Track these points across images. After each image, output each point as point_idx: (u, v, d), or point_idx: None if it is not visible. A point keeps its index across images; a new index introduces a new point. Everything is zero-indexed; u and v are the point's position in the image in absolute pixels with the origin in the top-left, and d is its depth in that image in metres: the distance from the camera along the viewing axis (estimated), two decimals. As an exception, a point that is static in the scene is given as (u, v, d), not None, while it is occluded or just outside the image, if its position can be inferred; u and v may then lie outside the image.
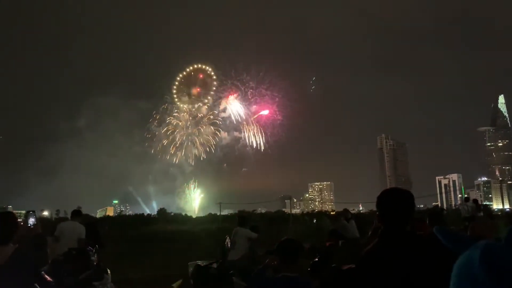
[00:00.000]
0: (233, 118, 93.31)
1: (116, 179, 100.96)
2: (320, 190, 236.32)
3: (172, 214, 72.40)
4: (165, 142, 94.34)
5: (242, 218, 10.88)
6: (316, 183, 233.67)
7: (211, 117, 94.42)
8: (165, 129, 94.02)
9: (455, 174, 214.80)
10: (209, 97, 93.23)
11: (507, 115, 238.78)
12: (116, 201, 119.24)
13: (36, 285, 3.68)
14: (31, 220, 4.83)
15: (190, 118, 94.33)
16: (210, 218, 59.74)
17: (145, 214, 70.04)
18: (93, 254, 7.79)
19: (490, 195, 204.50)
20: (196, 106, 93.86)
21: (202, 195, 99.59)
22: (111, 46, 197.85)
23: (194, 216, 72.16)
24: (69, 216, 11.94)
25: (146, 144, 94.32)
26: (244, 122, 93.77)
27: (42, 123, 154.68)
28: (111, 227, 36.92)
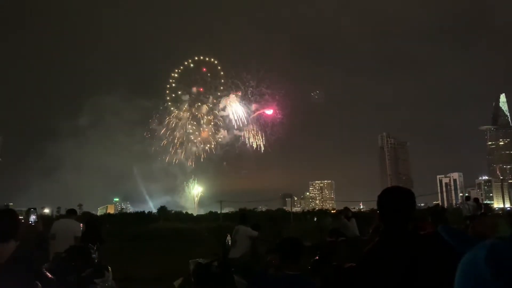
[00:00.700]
0: (232, 117, 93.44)
1: (117, 177, 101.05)
2: (321, 189, 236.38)
3: (173, 212, 72.48)
4: (165, 142, 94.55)
5: (243, 216, 10.91)
6: (317, 182, 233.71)
7: (211, 117, 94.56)
8: (164, 129, 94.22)
9: (456, 173, 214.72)
10: (211, 94, 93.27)
11: (508, 114, 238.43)
12: (117, 199, 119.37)
13: (37, 282, 3.68)
14: (32, 218, 4.84)
15: (190, 116, 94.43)
16: (211, 216, 59.82)
17: (146, 212, 70.12)
18: (94, 251, 7.79)
19: (491, 194, 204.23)
20: (196, 105, 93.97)
21: (201, 194, 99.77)
22: (112, 44, 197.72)
23: (195, 214, 72.22)
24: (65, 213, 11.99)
25: (146, 142, 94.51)
26: (244, 122, 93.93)
27: (43, 121, 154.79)
28: (112, 225, 36.99)
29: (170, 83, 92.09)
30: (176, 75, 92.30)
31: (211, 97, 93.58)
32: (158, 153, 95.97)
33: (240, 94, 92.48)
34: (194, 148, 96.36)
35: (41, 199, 79.05)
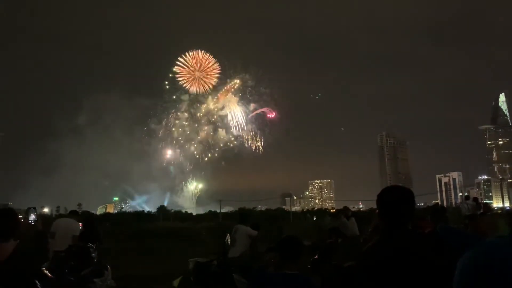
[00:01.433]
0: (231, 121, 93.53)
1: (116, 176, 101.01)
2: (320, 188, 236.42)
3: (172, 211, 72.46)
4: (163, 143, 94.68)
5: (243, 216, 10.90)
6: (316, 181, 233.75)
7: (210, 116, 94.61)
8: (163, 128, 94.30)
9: (456, 172, 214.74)
10: (210, 93, 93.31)
11: (507, 113, 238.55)
12: (116, 198, 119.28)
13: (36, 281, 3.68)
14: (32, 217, 4.83)
15: (189, 116, 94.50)
16: (211, 216, 59.81)
17: (145, 211, 70.10)
18: (94, 250, 7.79)
19: (490, 193, 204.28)
20: (195, 106, 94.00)
21: (199, 193, 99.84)
22: (111, 43, 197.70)
23: (194, 214, 72.21)
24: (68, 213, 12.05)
25: (145, 141, 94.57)
26: (244, 127, 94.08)
27: (42, 120, 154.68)
28: (111, 224, 36.99)
29: (169, 81, 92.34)
30: (173, 74, 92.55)
31: (209, 97, 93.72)
32: (157, 152, 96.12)
33: (238, 93, 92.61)
34: (192, 148, 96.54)
35: (40, 199, 78.89)
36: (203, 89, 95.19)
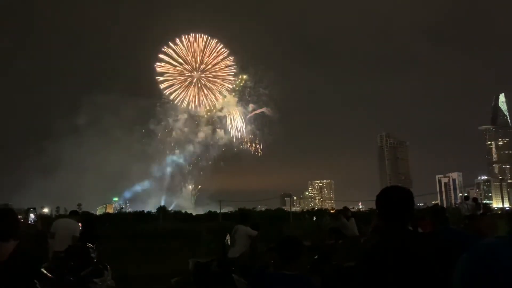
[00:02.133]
0: (229, 121, 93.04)
1: (116, 176, 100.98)
2: (320, 188, 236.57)
3: (172, 211, 72.47)
4: (162, 144, 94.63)
5: (243, 216, 10.89)
6: (316, 181, 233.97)
7: (209, 117, 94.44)
8: (162, 129, 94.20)
9: (455, 173, 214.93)
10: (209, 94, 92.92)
11: (507, 114, 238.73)
12: (116, 199, 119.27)
13: (36, 282, 3.68)
14: (32, 217, 4.83)
15: (188, 116, 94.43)
16: (210, 216, 59.77)
17: (145, 211, 70.10)
18: (93, 251, 7.80)
19: (490, 194, 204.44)
20: (194, 106, 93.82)
21: (198, 193, 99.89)
22: (111, 43, 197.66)
23: (194, 214, 72.22)
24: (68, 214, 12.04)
25: (145, 141, 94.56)
26: (243, 133, 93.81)
27: (42, 121, 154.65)
28: (111, 225, 36.95)
29: (167, 81, 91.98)
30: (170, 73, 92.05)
31: (207, 92, 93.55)
32: (157, 152, 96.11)
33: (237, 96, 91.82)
34: (191, 148, 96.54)
35: (40, 199, 78.83)
36: (207, 102, 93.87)
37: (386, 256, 2.71)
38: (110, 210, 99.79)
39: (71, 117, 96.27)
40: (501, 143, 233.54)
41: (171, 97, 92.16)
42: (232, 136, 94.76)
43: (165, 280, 10.15)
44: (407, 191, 3.00)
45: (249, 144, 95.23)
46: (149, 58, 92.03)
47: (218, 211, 60.51)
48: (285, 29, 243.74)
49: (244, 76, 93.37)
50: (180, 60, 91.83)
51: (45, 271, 4.25)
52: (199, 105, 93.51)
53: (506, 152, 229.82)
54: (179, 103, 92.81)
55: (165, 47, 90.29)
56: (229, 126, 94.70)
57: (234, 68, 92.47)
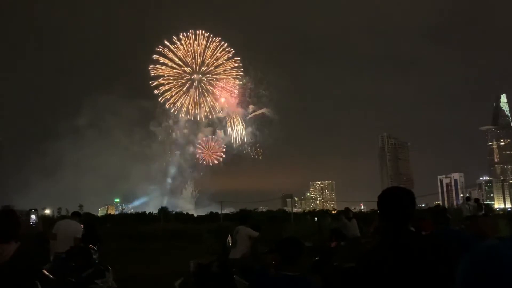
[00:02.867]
0: (230, 129, 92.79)
1: (117, 177, 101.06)
2: (322, 189, 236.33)
3: (174, 212, 72.50)
4: (163, 145, 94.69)
5: (244, 217, 10.90)
6: (317, 182, 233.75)
7: (209, 119, 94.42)
8: (163, 130, 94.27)
9: (457, 173, 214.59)
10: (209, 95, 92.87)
11: (509, 114, 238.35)
12: (117, 200, 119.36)
13: (38, 283, 3.69)
14: (33, 218, 4.83)
15: (189, 118, 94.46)
16: (212, 217, 59.79)
17: (147, 212, 70.13)
18: (95, 252, 7.80)
19: (491, 194, 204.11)
20: (194, 107, 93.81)
21: (198, 195, 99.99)
22: (112, 44, 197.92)
23: (195, 215, 72.22)
24: (70, 215, 12.05)
25: (146, 143, 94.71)
26: (244, 136, 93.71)
27: (43, 122, 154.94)
28: (113, 226, 36.98)
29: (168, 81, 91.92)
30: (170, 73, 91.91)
31: (209, 98, 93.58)
32: (158, 154, 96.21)
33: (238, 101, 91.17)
34: (192, 149, 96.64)
35: (41, 200, 78.87)
36: (206, 104, 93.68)
37: (387, 257, 2.71)
38: (111, 211, 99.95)
39: (72, 119, 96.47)
40: (502, 143, 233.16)
41: (170, 101, 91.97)
42: (232, 137, 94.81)
43: (167, 281, 10.14)
44: (408, 192, 3.00)
45: (249, 148, 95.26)
46: (150, 59, 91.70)
47: (219, 212, 60.55)
48: (286, 29, 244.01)
49: (244, 80, 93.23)
50: (179, 62, 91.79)
51: (46, 272, 4.26)
52: (199, 108, 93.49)
53: (508, 152, 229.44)
54: (178, 107, 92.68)
55: (162, 47, 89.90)
56: (229, 128, 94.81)
57: (240, 71, 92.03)
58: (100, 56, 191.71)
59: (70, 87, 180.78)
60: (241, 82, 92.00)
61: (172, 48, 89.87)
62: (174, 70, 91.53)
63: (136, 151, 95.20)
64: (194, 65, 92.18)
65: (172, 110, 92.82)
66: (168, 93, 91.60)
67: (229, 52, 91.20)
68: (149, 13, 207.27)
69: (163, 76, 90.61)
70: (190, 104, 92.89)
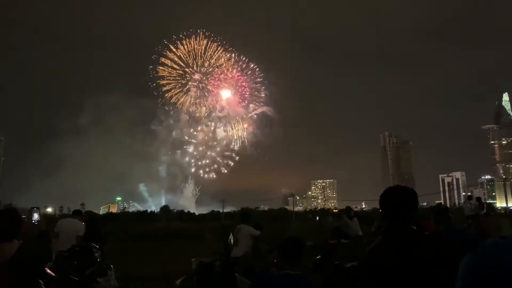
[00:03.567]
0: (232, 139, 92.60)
1: (119, 176, 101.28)
2: (323, 188, 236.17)
3: (175, 211, 72.61)
4: (164, 144, 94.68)
5: (245, 215, 10.88)
6: (319, 181, 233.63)
7: (210, 118, 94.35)
8: (164, 129, 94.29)
9: (459, 172, 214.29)
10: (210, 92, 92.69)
11: (511, 113, 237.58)
12: (119, 198, 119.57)
13: (40, 281, 3.70)
14: (35, 217, 4.84)
15: (190, 117, 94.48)
16: (213, 215, 59.90)
17: (149, 211, 70.27)
18: (97, 250, 7.81)
19: (493, 193, 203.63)
20: (195, 106, 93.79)
21: (199, 193, 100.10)
22: (114, 44, 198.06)
23: (196, 213, 72.31)
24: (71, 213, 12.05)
25: (147, 142, 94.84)
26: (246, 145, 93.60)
27: (45, 121, 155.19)
28: (115, 224, 37.05)
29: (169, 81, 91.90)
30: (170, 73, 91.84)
31: (210, 97, 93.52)
32: (159, 153, 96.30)
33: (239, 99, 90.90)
34: (192, 148, 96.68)
35: (44, 199, 79.28)
36: (207, 104, 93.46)
37: (388, 256, 2.70)
38: (113, 209, 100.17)
39: (74, 118, 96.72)
40: (504, 142, 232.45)
41: (171, 100, 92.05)
42: (233, 136, 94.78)
43: (168, 279, 10.17)
44: (411, 191, 2.99)
45: (250, 147, 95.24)
46: (152, 59, 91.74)
47: (221, 211, 60.62)
48: (288, 28, 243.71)
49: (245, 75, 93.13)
50: (179, 62, 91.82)
51: (48, 271, 4.27)
52: (200, 106, 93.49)
53: (510, 151, 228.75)
54: (179, 107, 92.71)
55: (163, 47, 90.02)
56: (229, 127, 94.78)
57: (241, 70, 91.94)
58: (101, 56, 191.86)
59: (72, 87, 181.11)
60: (241, 78, 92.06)
61: (173, 48, 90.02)
62: (175, 70, 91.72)
63: (138, 150, 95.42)
64: (194, 65, 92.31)
65: (173, 109, 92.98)
66: (170, 93, 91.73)
67: (229, 51, 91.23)
68: (151, 13, 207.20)
69: (164, 77, 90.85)
70: (191, 104, 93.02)
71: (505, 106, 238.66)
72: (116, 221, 43.52)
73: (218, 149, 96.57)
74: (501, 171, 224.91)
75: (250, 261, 9.20)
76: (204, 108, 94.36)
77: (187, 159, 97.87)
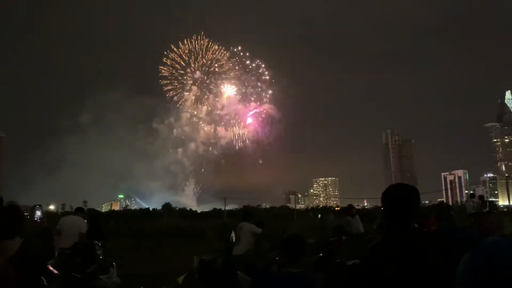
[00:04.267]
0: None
1: (121, 174, 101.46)
2: (325, 186, 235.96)
3: (177, 209, 72.74)
4: (165, 143, 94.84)
5: (247, 213, 10.90)
6: (320, 179, 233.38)
7: (211, 116, 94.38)
8: (166, 127, 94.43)
9: (461, 170, 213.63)
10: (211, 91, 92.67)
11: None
12: (121, 196, 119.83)
13: (42, 278, 3.71)
14: (38, 214, 4.85)
15: (191, 115, 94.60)
16: (215, 213, 59.98)
17: (151, 209, 70.42)
18: (99, 248, 7.84)
19: (496, 192, 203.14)
20: (196, 105, 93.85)
21: (200, 191, 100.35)
22: (116, 41, 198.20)
23: (198, 211, 72.43)
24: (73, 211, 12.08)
25: (149, 140, 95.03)
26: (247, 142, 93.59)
27: (47, 119, 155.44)
28: (117, 222, 37.15)
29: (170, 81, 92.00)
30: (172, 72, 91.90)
31: (211, 95, 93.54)
32: (160, 151, 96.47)
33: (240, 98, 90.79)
34: (194, 146, 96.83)
35: (46, 196, 79.46)
36: (208, 103, 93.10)
37: (390, 254, 2.70)
38: (115, 207, 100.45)
39: (76, 115, 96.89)
40: (507, 140, 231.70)
41: (174, 98, 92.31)
42: (235, 134, 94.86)
43: (170, 277, 10.18)
44: (413, 188, 2.98)
45: (252, 145, 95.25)
46: (154, 57, 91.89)
47: (223, 209, 60.68)
48: (290, 26, 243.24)
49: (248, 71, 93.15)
50: (181, 61, 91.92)
51: (51, 268, 4.29)
52: (202, 105, 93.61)
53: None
54: (180, 105, 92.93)
55: (165, 46, 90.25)
56: (231, 125, 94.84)
57: (242, 68, 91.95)
58: (103, 54, 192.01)
59: (74, 84, 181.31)
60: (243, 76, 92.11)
61: (174, 47, 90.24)
62: (177, 70, 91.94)
63: (139, 147, 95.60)
64: (197, 63, 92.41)
65: (174, 108, 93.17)
66: (172, 92, 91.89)
67: (231, 49, 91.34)
68: (152, 13, 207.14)
69: (166, 76, 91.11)
70: (193, 102, 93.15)
71: (508, 104, 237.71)
72: (118, 219, 43.65)
73: (219, 147, 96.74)
74: (504, 169, 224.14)
75: (252, 259, 9.21)
76: (205, 107, 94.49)
77: (188, 157, 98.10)
